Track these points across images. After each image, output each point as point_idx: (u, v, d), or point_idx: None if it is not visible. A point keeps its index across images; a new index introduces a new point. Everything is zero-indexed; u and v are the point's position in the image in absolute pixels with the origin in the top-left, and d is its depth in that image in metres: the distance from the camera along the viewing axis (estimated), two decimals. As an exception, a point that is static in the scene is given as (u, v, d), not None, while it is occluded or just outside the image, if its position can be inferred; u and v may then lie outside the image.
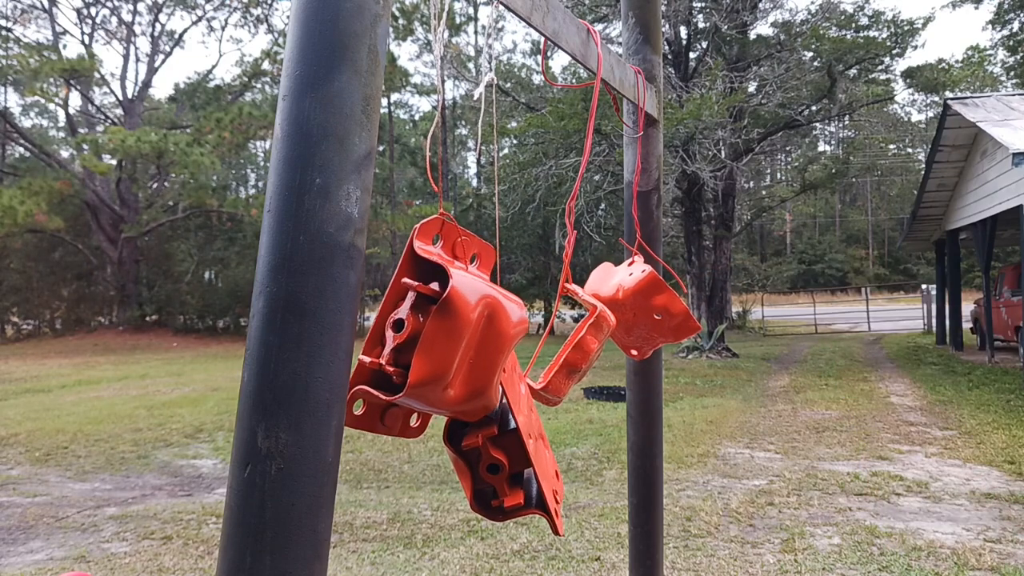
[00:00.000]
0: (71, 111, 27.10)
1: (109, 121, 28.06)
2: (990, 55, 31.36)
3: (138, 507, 5.05)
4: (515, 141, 19.77)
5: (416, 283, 0.78)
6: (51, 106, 35.87)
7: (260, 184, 45.11)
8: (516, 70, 25.83)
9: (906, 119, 41.85)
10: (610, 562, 3.71)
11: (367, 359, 0.77)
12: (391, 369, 0.76)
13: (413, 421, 0.86)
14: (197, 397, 10.40)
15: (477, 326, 0.78)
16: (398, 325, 0.77)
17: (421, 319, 0.77)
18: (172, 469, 6.31)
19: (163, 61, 30.58)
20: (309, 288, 0.64)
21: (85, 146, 23.67)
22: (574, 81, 15.44)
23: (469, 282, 0.78)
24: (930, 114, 47.29)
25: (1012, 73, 28.00)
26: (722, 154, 15.31)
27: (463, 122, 33.33)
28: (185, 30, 34.82)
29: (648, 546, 1.79)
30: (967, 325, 15.92)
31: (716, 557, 3.75)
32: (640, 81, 1.65)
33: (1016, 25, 24.69)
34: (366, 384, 0.77)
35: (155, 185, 27.13)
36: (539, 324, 21.82)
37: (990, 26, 25.80)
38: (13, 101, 35.55)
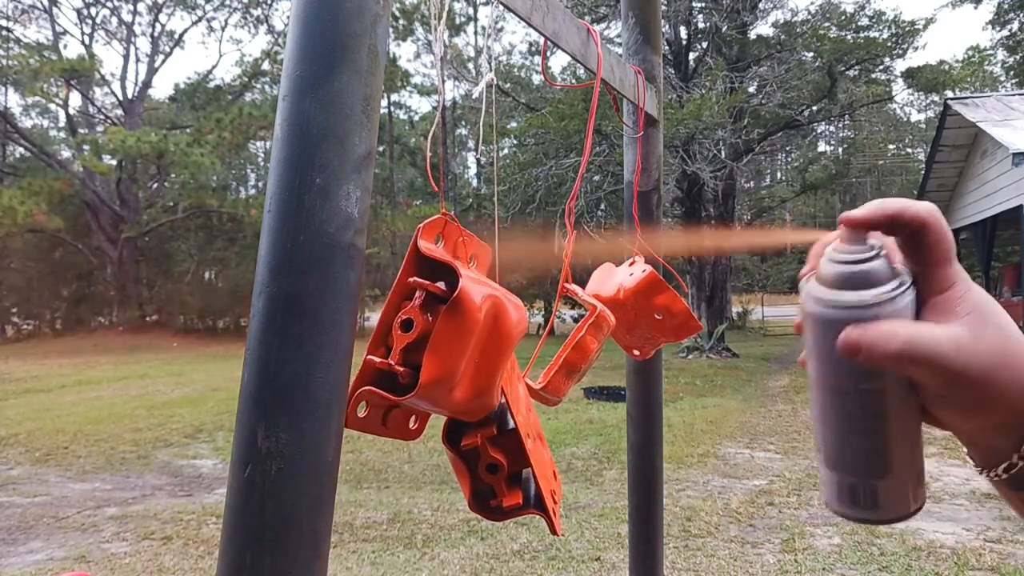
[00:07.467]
0: (71, 111, 27.12)
1: (109, 121, 28.04)
2: (990, 55, 31.34)
3: (138, 507, 5.05)
4: (515, 141, 19.75)
5: (426, 282, 0.78)
6: (51, 106, 35.80)
7: (260, 184, 45.06)
8: (516, 70, 25.79)
9: (906, 119, 41.84)
10: (610, 562, 3.71)
11: (376, 359, 0.77)
12: (401, 369, 0.76)
13: (412, 423, 0.86)
14: (197, 397, 10.40)
15: (484, 325, 0.78)
16: (407, 325, 0.77)
17: (429, 319, 0.77)
18: (172, 469, 6.31)
19: (163, 61, 30.61)
20: (309, 288, 0.65)
21: (85, 146, 23.69)
22: (574, 81, 15.44)
23: (476, 281, 0.79)
24: (930, 114, 47.21)
25: (1012, 73, 27.98)
26: (722, 154, 15.29)
27: (463, 122, 33.35)
28: (185, 30, 34.87)
29: (648, 546, 1.79)
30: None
31: (716, 557, 3.76)
32: (640, 81, 1.65)
33: (1016, 25, 24.69)
34: (370, 385, 0.77)
35: (155, 185, 27.13)
36: (539, 324, 21.80)
37: (990, 26, 25.80)
38: (13, 101, 35.48)
